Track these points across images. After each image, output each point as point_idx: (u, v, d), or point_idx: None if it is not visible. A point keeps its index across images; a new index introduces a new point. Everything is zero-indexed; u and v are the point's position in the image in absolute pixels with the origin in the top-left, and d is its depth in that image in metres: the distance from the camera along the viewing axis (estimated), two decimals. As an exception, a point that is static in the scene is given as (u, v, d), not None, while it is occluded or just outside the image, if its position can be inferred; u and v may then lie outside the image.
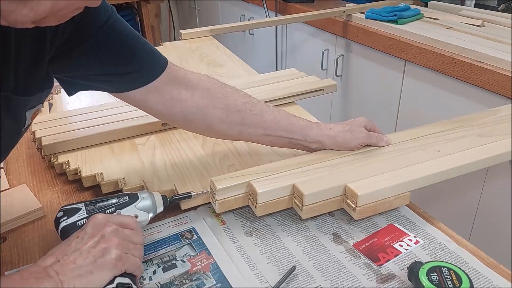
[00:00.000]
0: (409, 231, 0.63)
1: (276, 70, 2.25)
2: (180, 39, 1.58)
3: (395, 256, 0.59)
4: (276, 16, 2.17)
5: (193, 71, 0.71)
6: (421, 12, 1.72)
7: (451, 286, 0.49)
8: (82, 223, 0.56)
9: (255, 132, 0.70)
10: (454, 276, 0.50)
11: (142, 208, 0.61)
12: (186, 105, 0.68)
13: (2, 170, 0.81)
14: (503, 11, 1.71)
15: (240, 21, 2.55)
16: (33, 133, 0.86)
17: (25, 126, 0.57)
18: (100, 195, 0.74)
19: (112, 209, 0.59)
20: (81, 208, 0.58)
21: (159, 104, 0.67)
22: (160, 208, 0.63)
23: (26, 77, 0.53)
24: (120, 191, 0.71)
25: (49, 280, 0.46)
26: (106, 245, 0.50)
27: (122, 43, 0.61)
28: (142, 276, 0.57)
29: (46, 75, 0.57)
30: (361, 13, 1.77)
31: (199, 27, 1.87)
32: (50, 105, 1.03)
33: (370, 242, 0.62)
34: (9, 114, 0.52)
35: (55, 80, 0.61)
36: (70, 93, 0.66)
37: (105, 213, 0.57)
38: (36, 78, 0.55)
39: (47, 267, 0.47)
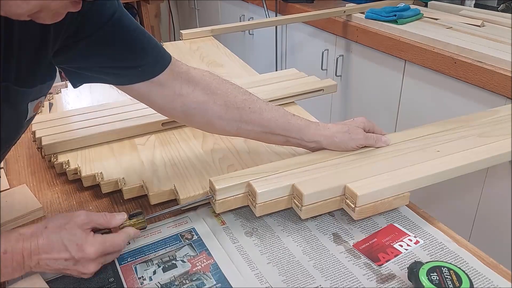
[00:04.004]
0: (409, 231, 0.63)
1: (276, 70, 2.25)
2: (180, 39, 1.59)
3: (395, 256, 0.59)
4: (276, 16, 2.17)
5: (195, 67, 0.72)
6: (421, 12, 1.72)
7: (451, 286, 0.49)
8: None
9: (253, 129, 0.71)
10: (454, 276, 0.50)
11: None
12: (187, 100, 0.69)
13: (2, 170, 0.81)
14: (503, 11, 1.71)
15: (240, 21, 2.55)
16: (33, 133, 0.86)
17: (27, 118, 0.58)
18: (100, 195, 0.74)
19: None
20: None
21: (162, 98, 0.68)
22: None
23: (27, 68, 0.54)
24: (120, 190, 0.71)
25: (19, 270, 0.51)
26: (82, 270, 0.54)
27: (129, 37, 0.62)
28: (142, 276, 0.57)
29: (48, 67, 0.58)
30: (361, 13, 1.77)
31: (199, 27, 1.87)
32: (50, 105, 1.03)
33: (370, 242, 0.62)
34: (9, 105, 0.53)
35: (55, 80, 0.62)
36: (75, 85, 0.67)
37: None
38: (38, 70, 0.55)
39: (26, 258, 0.51)
